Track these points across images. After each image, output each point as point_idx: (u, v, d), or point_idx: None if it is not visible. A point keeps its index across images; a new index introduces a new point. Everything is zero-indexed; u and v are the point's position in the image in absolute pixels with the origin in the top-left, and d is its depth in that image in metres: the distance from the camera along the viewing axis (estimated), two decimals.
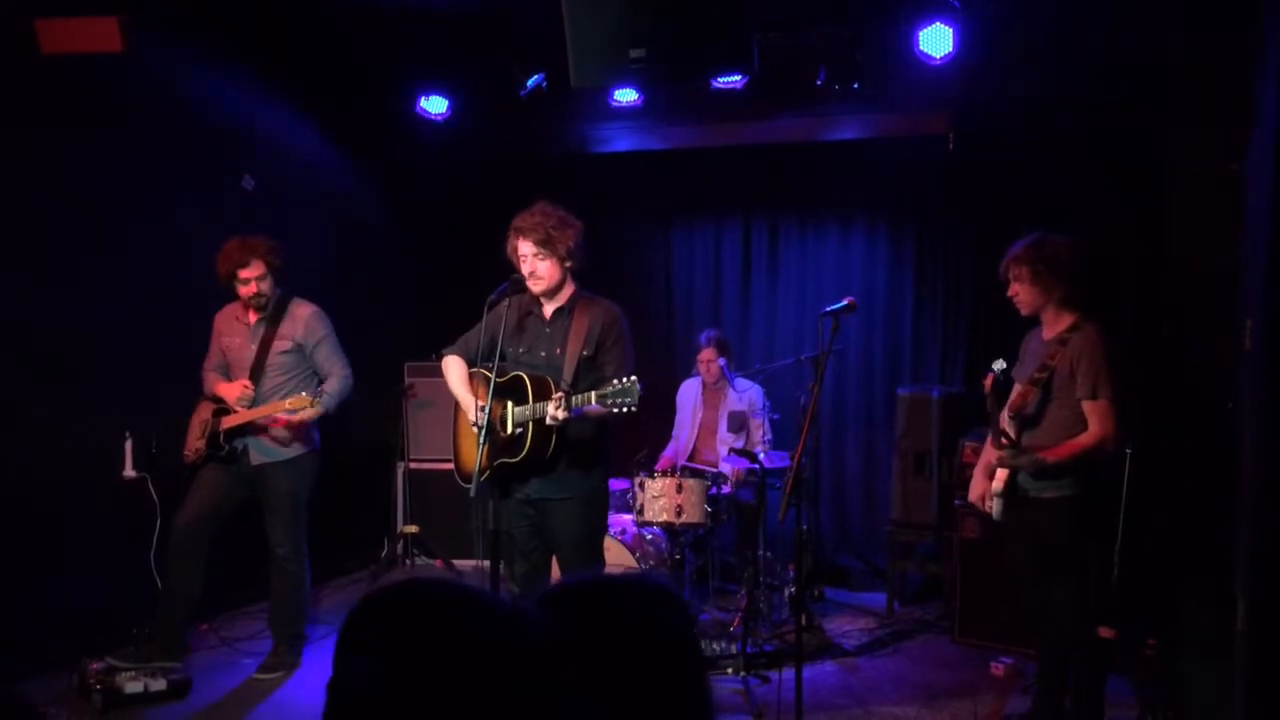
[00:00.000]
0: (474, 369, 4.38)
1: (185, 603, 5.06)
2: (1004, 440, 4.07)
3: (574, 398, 3.95)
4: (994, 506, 4.18)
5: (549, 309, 4.30)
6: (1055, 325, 4.14)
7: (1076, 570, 4.10)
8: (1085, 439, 3.96)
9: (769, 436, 6.25)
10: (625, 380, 3.84)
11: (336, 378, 5.08)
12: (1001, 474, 4.11)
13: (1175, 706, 4.65)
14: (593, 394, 3.90)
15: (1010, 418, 4.14)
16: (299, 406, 4.84)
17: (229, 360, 5.17)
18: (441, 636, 1.30)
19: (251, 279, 4.96)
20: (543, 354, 4.25)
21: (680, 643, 1.53)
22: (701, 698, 1.53)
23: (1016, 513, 4.16)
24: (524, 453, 4.09)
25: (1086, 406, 3.97)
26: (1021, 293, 4.15)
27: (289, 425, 4.98)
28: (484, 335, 4.25)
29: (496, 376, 4.05)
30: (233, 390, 5.03)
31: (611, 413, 3.87)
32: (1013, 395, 4.20)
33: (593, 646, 1.48)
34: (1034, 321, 4.29)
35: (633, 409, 3.83)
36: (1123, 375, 4.03)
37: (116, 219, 5.42)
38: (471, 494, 4.14)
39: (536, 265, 4.16)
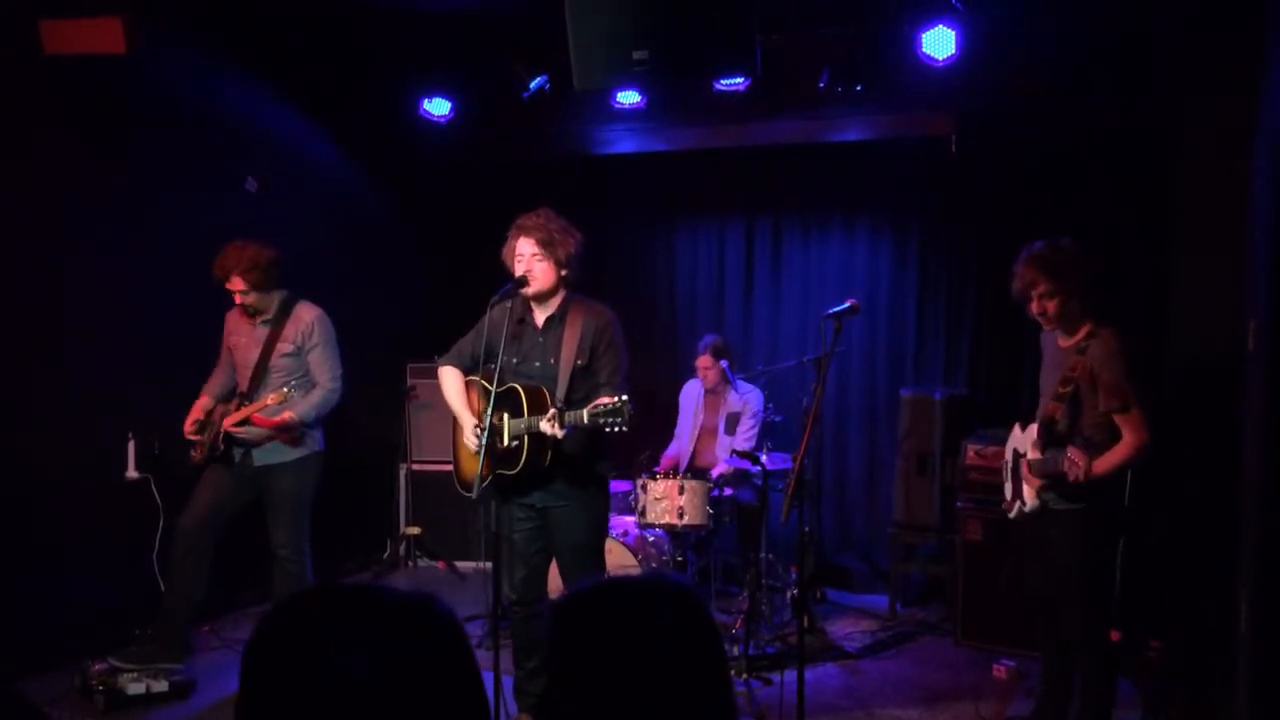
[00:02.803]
0: (470, 377, 4.38)
1: (188, 604, 5.05)
2: (1040, 476, 4.04)
3: (567, 415, 3.94)
4: (1015, 508, 4.19)
5: (541, 316, 4.27)
6: (1073, 334, 4.05)
7: (1094, 579, 4.07)
8: (1124, 450, 3.86)
9: (750, 435, 6.21)
10: (617, 400, 3.81)
11: (320, 388, 5.03)
12: (1031, 494, 4.09)
13: (1179, 708, 4.64)
14: (584, 412, 3.87)
15: (1040, 430, 4.07)
16: (276, 403, 4.81)
17: (235, 360, 5.16)
18: (446, 638, 1.30)
19: (235, 291, 4.95)
20: (536, 364, 4.23)
21: (701, 641, 1.52)
22: (724, 696, 1.53)
23: (1038, 525, 4.14)
24: (521, 465, 4.08)
25: (1119, 418, 3.88)
26: (1052, 308, 3.99)
27: (274, 427, 4.93)
28: (481, 340, 4.24)
29: (492, 386, 4.04)
30: (190, 414, 5.08)
31: (604, 431, 3.87)
32: (1041, 410, 4.13)
33: (614, 649, 1.47)
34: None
35: (623, 429, 3.81)
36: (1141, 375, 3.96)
37: (119, 220, 5.43)
38: (474, 498, 4.13)
39: (534, 265, 4.14)
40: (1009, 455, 4.35)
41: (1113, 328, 3.98)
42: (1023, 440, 4.23)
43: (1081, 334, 3.99)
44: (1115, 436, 3.90)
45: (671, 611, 1.50)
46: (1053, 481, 3.96)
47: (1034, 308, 4.03)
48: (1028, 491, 4.09)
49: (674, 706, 1.45)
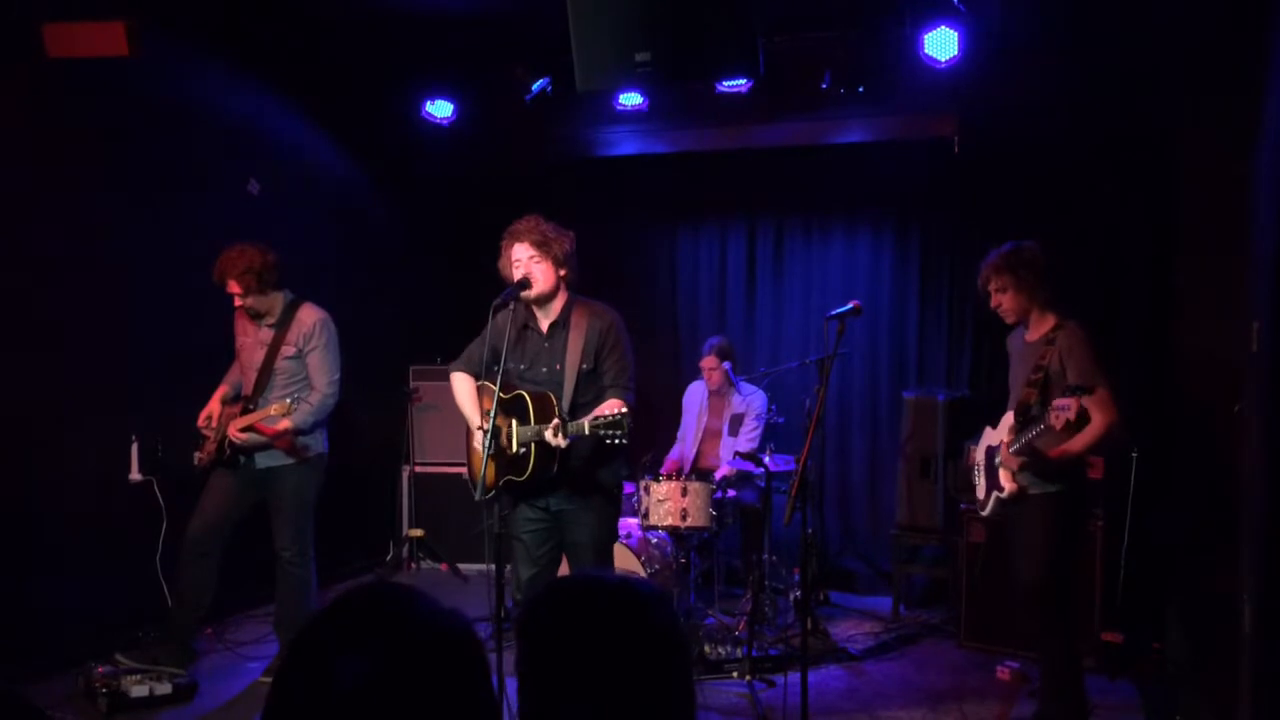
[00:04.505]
0: (480, 383, 4.39)
1: (196, 611, 5.05)
2: (1018, 456, 4.19)
3: (569, 425, 3.96)
4: (990, 506, 4.32)
5: (545, 322, 4.28)
6: (1039, 327, 4.30)
7: (1055, 563, 4.21)
8: (1095, 429, 4.08)
9: (753, 437, 6.21)
10: (616, 413, 3.85)
11: (318, 392, 5.00)
12: (1008, 479, 4.24)
13: (1180, 710, 4.64)
14: (585, 423, 3.90)
15: (1016, 416, 4.27)
16: (279, 414, 4.82)
17: (241, 362, 5.16)
18: (439, 641, 1.30)
19: (234, 294, 4.95)
20: (543, 370, 4.24)
21: (665, 644, 1.52)
22: (686, 701, 1.53)
23: (1014, 515, 4.31)
24: (529, 472, 4.09)
25: (1087, 401, 4.07)
26: (1006, 301, 4.32)
27: (273, 435, 4.92)
28: (485, 347, 4.25)
29: (500, 391, 4.04)
30: (204, 411, 5.12)
31: (605, 442, 3.88)
32: (1016, 399, 4.32)
33: (572, 646, 1.48)
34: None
35: (622, 441, 3.85)
36: (1118, 369, 4.20)
37: (123, 221, 5.43)
38: (477, 498, 4.13)
39: (532, 268, 4.15)
40: (980, 456, 4.56)
41: (1078, 321, 4.24)
42: (995, 435, 4.45)
43: (1048, 327, 4.27)
44: (1085, 420, 4.10)
45: (635, 613, 1.51)
46: (1031, 458, 4.16)
47: (991, 302, 4.37)
48: (1004, 477, 4.27)
49: (633, 707, 1.46)
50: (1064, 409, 3.92)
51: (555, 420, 3.95)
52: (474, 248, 6.26)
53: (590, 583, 1.59)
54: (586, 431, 3.88)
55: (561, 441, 3.93)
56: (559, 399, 4.12)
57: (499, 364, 4.09)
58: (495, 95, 6.43)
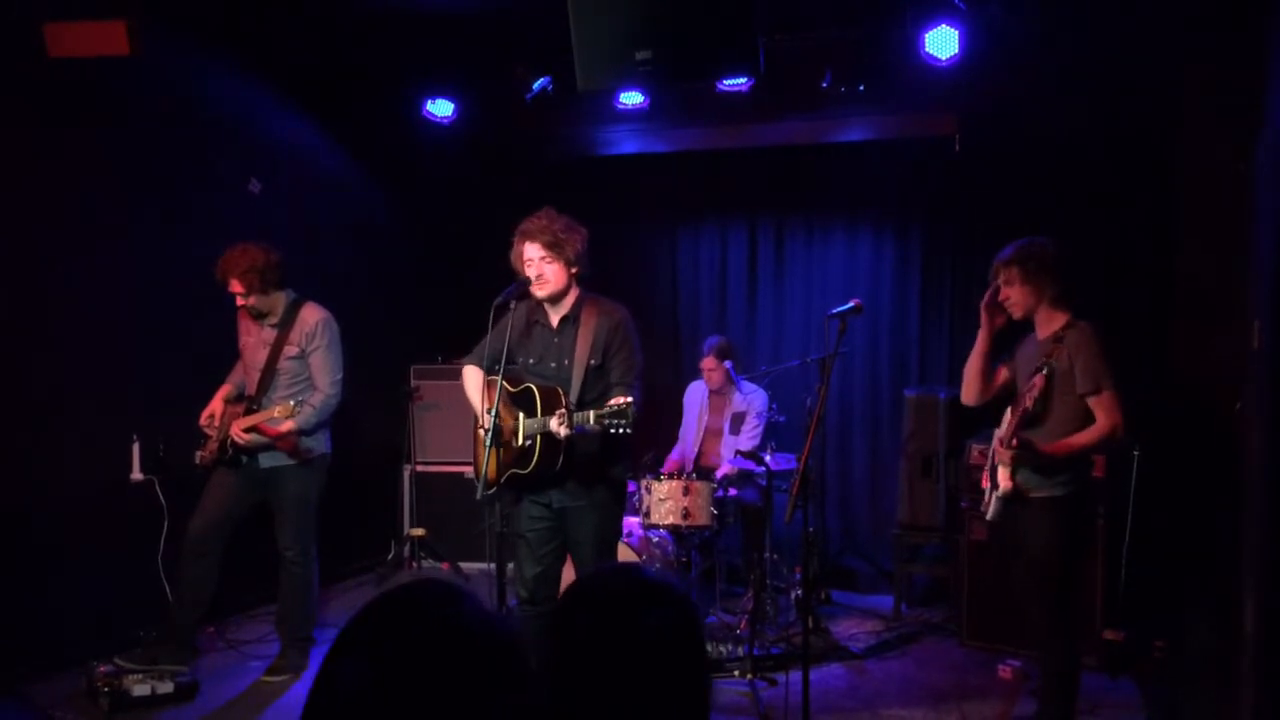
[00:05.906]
0: (490, 377, 4.40)
1: (196, 608, 5.06)
2: (1015, 442, 4.13)
3: (575, 415, 3.96)
4: (992, 508, 4.26)
5: (555, 317, 4.29)
6: (1049, 325, 4.23)
7: (1059, 566, 4.17)
8: (1098, 430, 4.03)
9: (755, 436, 6.22)
10: (622, 402, 3.85)
11: (320, 393, 5.01)
12: (1005, 476, 4.18)
13: (1181, 710, 4.64)
14: (591, 414, 3.90)
15: (1015, 417, 4.22)
16: (282, 416, 4.82)
17: (244, 361, 5.16)
18: (442, 642, 1.30)
19: (235, 294, 4.95)
20: (552, 364, 4.26)
21: (680, 646, 1.53)
22: (701, 702, 1.54)
23: (1018, 517, 4.24)
24: (533, 464, 4.10)
25: (1092, 402, 4.05)
26: (1014, 295, 4.25)
27: (276, 436, 4.94)
28: (492, 342, 4.26)
29: (509, 385, 4.05)
30: (206, 410, 5.12)
31: (609, 432, 3.88)
32: (1019, 396, 4.27)
33: (600, 641, 1.50)
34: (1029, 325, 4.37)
35: (626, 430, 3.84)
36: (1119, 368, 4.11)
37: (123, 221, 5.44)
38: (478, 497, 4.13)
39: (543, 269, 4.15)
40: (990, 461, 4.47)
41: (1087, 320, 4.17)
42: (996, 436, 4.40)
43: (1059, 325, 4.19)
44: (1089, 422, 4.07)
45: (660, 612, 1.53)
46: (1026, 452, 4.09)
47: (1000, 295, 4.30)
48: (1002, 474, 4.18)
49: (652, 704, 1.48)
50: (1032, 387, 4.01)
51: (561, 410, 3.96)
52: (474, 247, 6.26)
53: (619, 579, 1.61)
54: (592, 422, 3.88)
55: (564, 430, 3.94)
56: (567, 393, 4.13)
57: (501, 362, 4.10)
58: (495, 95, 6.43)
